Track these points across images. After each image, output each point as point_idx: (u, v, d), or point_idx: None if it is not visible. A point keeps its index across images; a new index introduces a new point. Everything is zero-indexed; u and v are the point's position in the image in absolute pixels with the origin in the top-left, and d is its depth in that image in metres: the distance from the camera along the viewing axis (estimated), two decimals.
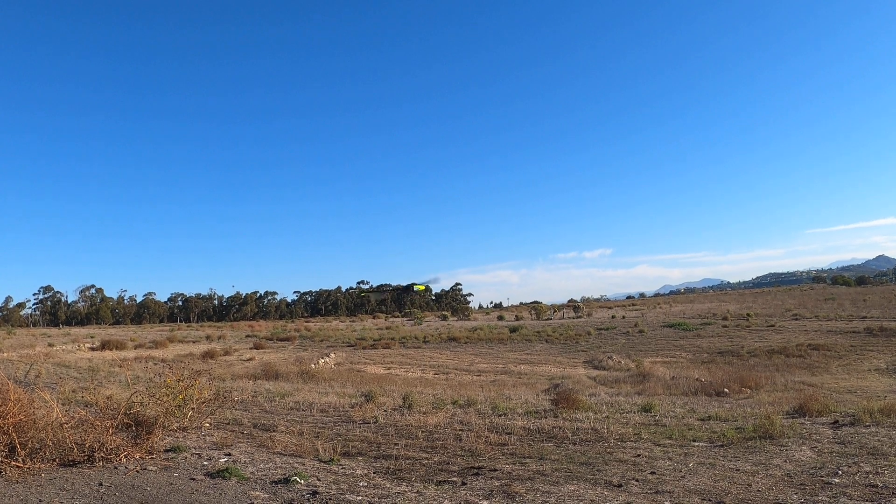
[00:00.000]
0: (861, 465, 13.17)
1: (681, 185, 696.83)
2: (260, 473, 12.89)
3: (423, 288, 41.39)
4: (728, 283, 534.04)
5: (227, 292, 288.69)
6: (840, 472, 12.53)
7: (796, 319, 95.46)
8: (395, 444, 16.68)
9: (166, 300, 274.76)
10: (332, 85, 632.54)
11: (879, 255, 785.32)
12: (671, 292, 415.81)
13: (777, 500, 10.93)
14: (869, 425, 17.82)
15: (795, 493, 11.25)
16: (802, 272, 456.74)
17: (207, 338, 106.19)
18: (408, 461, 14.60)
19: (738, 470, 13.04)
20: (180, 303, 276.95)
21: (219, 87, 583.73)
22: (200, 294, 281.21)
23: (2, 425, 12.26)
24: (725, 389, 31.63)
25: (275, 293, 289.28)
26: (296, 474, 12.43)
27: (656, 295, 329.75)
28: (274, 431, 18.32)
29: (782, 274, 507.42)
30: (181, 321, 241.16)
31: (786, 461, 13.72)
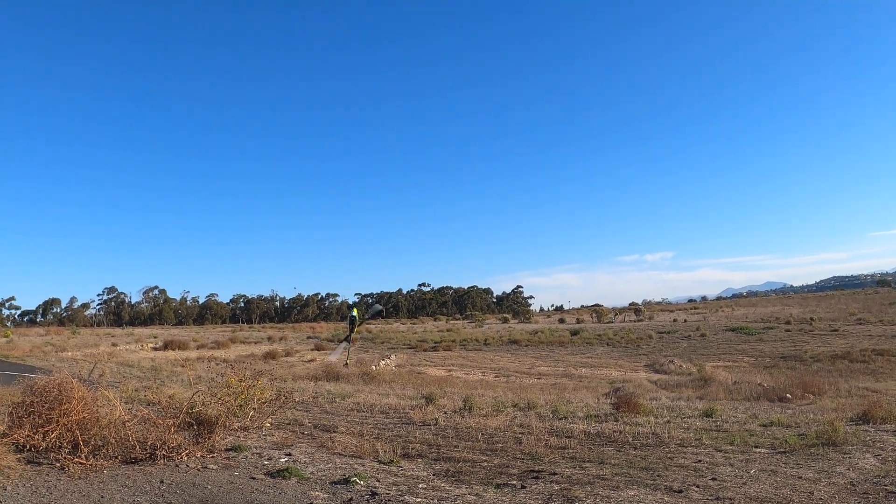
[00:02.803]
0: None
1: (743, 187, 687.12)
2: (320, 474, 12.93)
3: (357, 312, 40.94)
4: (791, 286, 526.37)
5: (288, 294, 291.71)
6: None
7: (860, 324, 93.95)
8: (455, 447, 16.64)
9: (228, 301, 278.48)
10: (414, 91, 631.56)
11: None
12: (733, 296, 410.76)
13: None
14: None
15: (858, 502, 11.04)
16: (867, 276, 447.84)
17: (269, 339, 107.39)
18: (467, 464, 14.54)
19: (801, 477, 12.83)
20: (242, 304, 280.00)
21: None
22: (262, 295, 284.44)
23: (66, 423, 12.45)
24: (788, 395, 31.18)
25: (336, 295, 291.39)
26: (355, 475, 12.46)
27: (718, 298, 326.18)
28: (334, 432, 18.35)
29: (846, 277, 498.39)
30: (243, 322, 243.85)
31: (849, 469, 13.48)
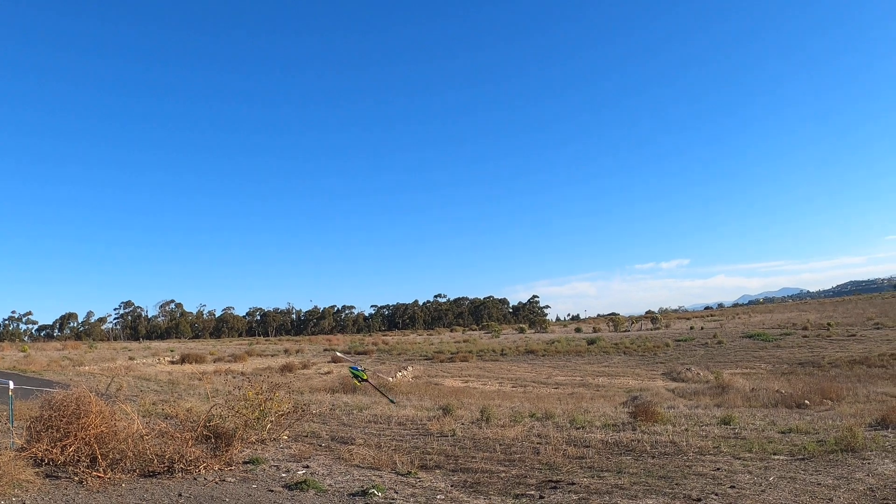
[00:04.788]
0: None
1: (757, 193, 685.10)
2: (338, 486, 12.97)
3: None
4: (808, 291, 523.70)
5: (304, 307, 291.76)
6: None
7: (878, 329, 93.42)
8: (473, 458, 16.63)
9: (245, 314, 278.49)
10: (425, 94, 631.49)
11: None
12: (750, 302, 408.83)
13: None
14: None
15: None
16: (884, 280, 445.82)
17: (285, 351, 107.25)
18: (485, 474, 14.54)
19: (820, 484, 12.78)
20: (258, 317, 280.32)
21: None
22: (278, 308, 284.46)
23: (84, 436, 12.53)
24: (806, 401, 31.04)
25: (352, 307, 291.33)
26: (373, 487, 12.48)
27: (735, 305, 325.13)
28: (352, 444, 18.40)
29: (863, 282, 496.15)
30: (259, 335, 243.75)
31: (868, 475, 13.42)
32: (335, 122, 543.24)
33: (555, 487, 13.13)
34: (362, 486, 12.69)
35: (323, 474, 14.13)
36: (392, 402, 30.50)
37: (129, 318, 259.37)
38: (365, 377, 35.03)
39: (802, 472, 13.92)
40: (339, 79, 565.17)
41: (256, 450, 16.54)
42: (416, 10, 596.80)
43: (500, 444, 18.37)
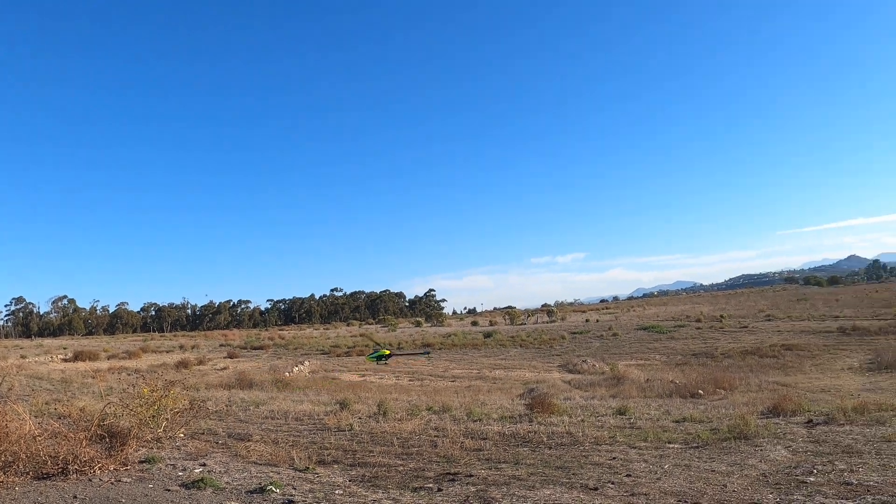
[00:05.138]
0: (836, 463, 13.29)
1: (653, 188, 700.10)
2: (235, 483, 12.83)
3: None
4: (701, 285, 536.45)
5: (200, 301, 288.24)
6: (815, 471, 12.63)
7: (769, 320, 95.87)
8: (371, 452, 16.64)
9: (139, 310, 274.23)
10: (316, 85, 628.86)
11: (851, 255, 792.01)
12: (644, 295, 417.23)
13: (752, 500, 10.98)
14: (843, 424, 18.04)
15: (771, 493, 11.31)
16: (775, 273, 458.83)
17: (181, 347, 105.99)
18: (383, 468, 14.57)
19: (714, 471, 13.10)
20: (153, 312, 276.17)
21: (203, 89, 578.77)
22: (173, 303, 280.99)
23: None
24: (700, 391, 31.71)
25: (248, 302, 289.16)
26: (271, 483, 12.38)
27: (630, 298, 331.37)
28: (249, 441, 18.23)
29: (755, 275, 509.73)
30: (154, 331, 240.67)
31: (761, 461, 13.80)
32: (226, 116, 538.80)
33: (453, 480, 13.20)
34: (260, 483, 12.57)
35: (220, 472, 13.97)
36: (428, 354, 30.74)
37: (21, 314, 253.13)
38: (388, 353, 35.29)
39: (697, 460, 14.26)
40: (221, 71, 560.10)
41: (152, 448, 16.25)
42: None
43: (398, 438, 18.45)
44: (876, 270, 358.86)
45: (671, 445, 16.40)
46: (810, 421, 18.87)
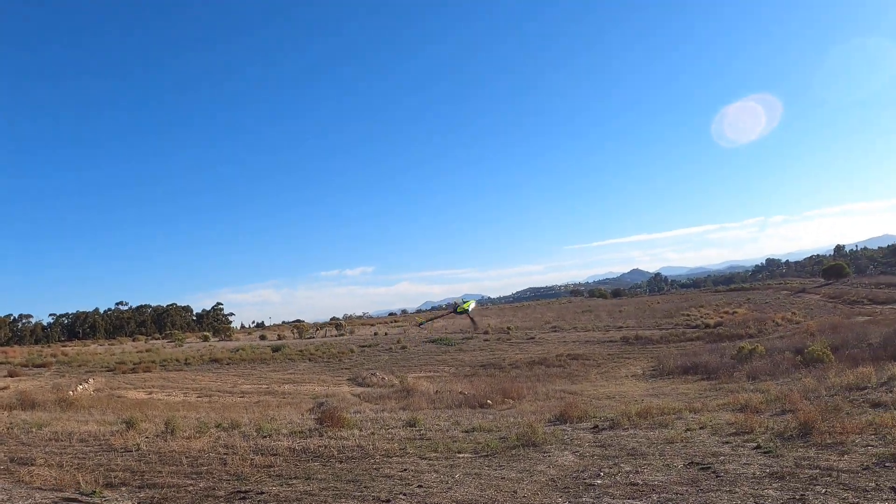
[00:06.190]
0: (622, 465, 13.67)
1: (441, 204, 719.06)
2: None
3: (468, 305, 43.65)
4: (489, 297, 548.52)
5: None
6: (602, 474, 12.93)
7: (556, 331, 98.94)
8: (159, 472, 16.05)
9: None
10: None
11: (634, 269, 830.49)
12: (433, 308, 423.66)
13: None
14: (627, 428, 18.72)
15: (560, 497, 11.44)
16: (561, 286, 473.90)
17: None
18: (172, 489, 14.05)
19: (504, 478, 13.18)
20: None
21: None
22: None
23: None
24: (489, 401, 32.20)
25: (30, 316, 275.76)
26: None
27: (418, 311, 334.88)
28: (32, 465, 17.31)
29: (542, 288, 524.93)
30: None
31: (549, 467, 14.01)
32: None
33: (244, 498, 12.91)
34: None
35: (3, 500, 13.15)
36: (474, 324, 31.68)
37: None
38: (467, 307, 36.60)
39: (487, 468, 14.35)
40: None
41: None
42: None
43: (187, 457, 17.91)
44: (658, 283, 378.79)
45: (461, 455, 16.48)
46: (596, 427, 19.41)
